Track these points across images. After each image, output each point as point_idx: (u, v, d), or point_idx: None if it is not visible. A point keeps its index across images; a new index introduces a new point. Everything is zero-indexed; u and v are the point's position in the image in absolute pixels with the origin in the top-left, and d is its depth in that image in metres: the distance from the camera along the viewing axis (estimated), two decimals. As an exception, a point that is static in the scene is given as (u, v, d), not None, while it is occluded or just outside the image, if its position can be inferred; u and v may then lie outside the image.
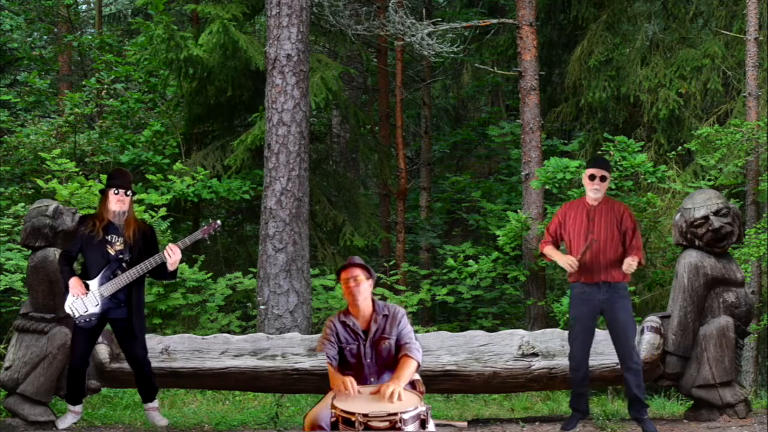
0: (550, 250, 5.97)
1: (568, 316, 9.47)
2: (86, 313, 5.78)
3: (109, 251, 5.80)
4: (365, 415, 4.03)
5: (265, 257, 9.00)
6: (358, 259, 4.71)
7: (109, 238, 5.81)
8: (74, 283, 5.77)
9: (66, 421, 6.15)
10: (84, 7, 19.63)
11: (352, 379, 4.32)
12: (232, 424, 6.79)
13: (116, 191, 5.83)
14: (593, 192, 5.86)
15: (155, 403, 6.19)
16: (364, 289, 4.60)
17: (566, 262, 5.79)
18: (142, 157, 11.69)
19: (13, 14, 15.24)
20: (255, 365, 6.55)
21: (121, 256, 5.81)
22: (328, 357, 4.56)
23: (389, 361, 4.54)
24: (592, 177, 5.86)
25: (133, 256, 5.82)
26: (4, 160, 12.04)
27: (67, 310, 5.82)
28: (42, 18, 16.49)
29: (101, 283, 5.78)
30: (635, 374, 5.80)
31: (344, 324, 4.62)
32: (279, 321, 8.81)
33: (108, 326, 6.10)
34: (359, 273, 4.60)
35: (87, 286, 5.78)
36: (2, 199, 10.92)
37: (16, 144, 12.02)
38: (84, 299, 5.77)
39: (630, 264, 5.69)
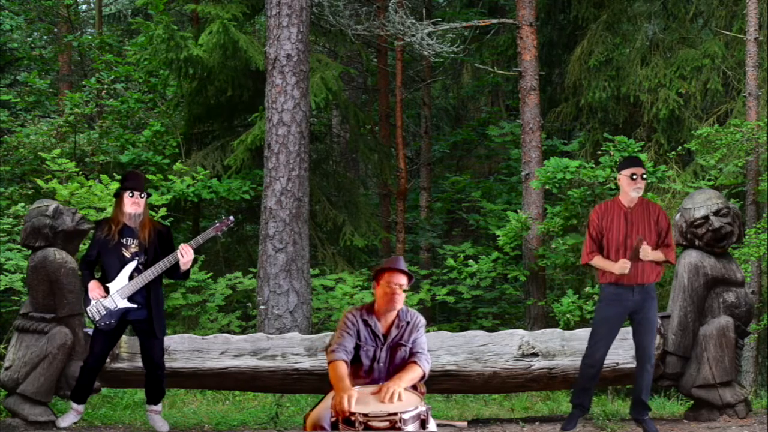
0: (599, 261, 5.76)
1: (568, 315, 9.51)
2: (105, 315, 5.80)
3: (125, 254, 5.82)
4: (365, 415, 4.02)
5: (265, 257, 9.00)
6: (403, 264, 4.52)
7: (124, 241, 5.83)
8: (93, 286, 5.80)
9: (67, 420, 6.16)
10: (84, 7, 19.63)
11: (351, 396, 4.16)
12: (232, 424, 6.79)
13: (131, 194, 5.83)
14: (636, 191, 5.72)
15: (159, 407, 6.20)
16: (403, 297, 4.49)
17: (620, 267, 5.63)
18: (142, 157, 11.68)
19: (13, 14, 15.23)
20: (255, 365, 6.55)
21: (137, 258, 5.83)
22: (344, 351, 4.38)
23: (401, 368, 4.48)
24: (633, 176, 5.72)
25: (149, 257, 5.84)
26: (4, 160, 12.04)
27: (88, 312, 5.85)
28: (42, 18, 16.49)
29: (118, 286, 5.79)
30: (647, 378, 5.79)
31: (366, 323, 4.51)
32: (279, 321, 8.81)
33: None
34: (404, 281, 4.48)
35: (106, 289, 5.79)
36: (2, 199, 10.92)
37: (16, 144, 12.01)
38: (103, 302, 5.79)
39: (646, 251, 5.63)
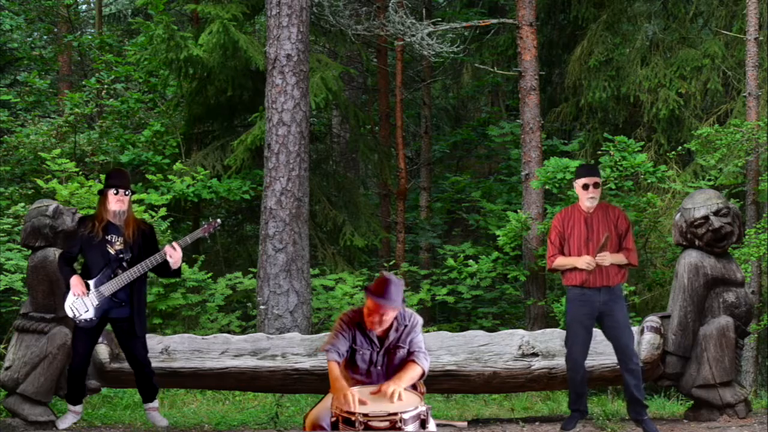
0: (562, 260, 5.84)
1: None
2: (87, 313, 5.78)
3: (109, 251, 5.80)
4: (365, 415, 4.02)
5: (265, 257, 9.00)
6: (392, 295, 4.30)
7: (109, 237, 5.81)
8: (75, 282, 5.77)
9: (66, 421, 6.15)
10: (84, 7, 19.63)
11: (354, 394, 4.17)
12: (232, 424, 6.79)
13: (115, 191, 5.84)
14: (589, 201, 5.83)
15: (155, 403, 6.19)
16: (386, 321, 4.39)
17: (584, 262, 5.72)
18: (142, 157, 11.69)
19: (13, 14, 15.23)
20: (255, 365, 6.55)
21: (121, 255, 5.81)
22: (337, 353, 4.36)
23: (400, 368, 4.45)
24: (585, 186, 5.82)
25: (133, 255, 5.83)
26: (4, 160, 12.03)
27: (67, 310, 5.82)
28: (42, 18, 16.47)
29: (101, 283, 5.78)
30: (635, 375, 5.79)
31: (361, 327, 4.46)
32: (279, 321, 8.81)
33: (108, 326, 6.12)
34: (390, 313, 4.36)
35: (87, 286, 5.78)
36: (2, 199, 10.92)
37: (16, 144, 12.01)
38: (84, 299, 5.77)
39: (604, 258, 5.70)
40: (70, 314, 5.82)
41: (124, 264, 5.81)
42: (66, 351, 6.21)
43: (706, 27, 12.93)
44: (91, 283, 5.79)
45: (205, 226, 5.97)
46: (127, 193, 5.87)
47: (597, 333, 6.09)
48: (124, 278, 5.78)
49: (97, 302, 5.78)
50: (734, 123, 9.94)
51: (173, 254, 5.74)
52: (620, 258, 5.79)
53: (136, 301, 5.85)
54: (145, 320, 6.02)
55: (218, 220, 6.07)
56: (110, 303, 5.80)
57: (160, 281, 9.28)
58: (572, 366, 5.93)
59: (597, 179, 5.87)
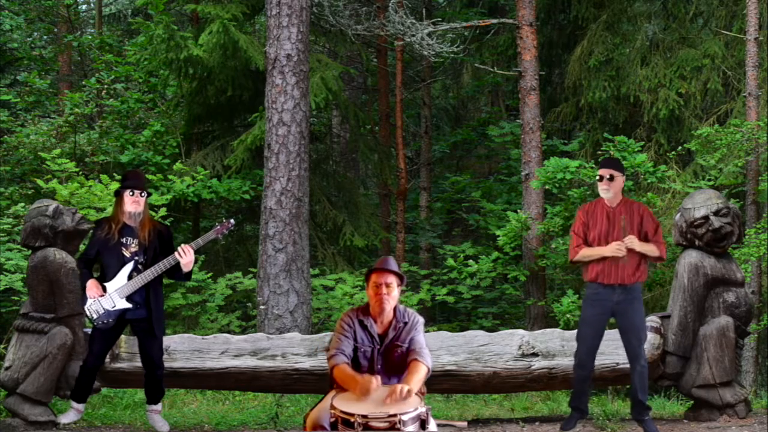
0: (588, 251, 5.77)
1: (568, 315, 9.52)
2: (103, 315, 5.80)
3: (125, 253, 5.81)
4: (364, 416, 4.02)
5: (265, 257, 9.00)
6: (393, 263, 4.51)
7: (124, 240, 5.82)
8: (91, 285, 5.79)
9: (68, 417, 6.17)
10: (84, 7, 19.63)
11: (377, 379, 4.19)
12: (232, 424, 6.79)
13: (131, 192, 5.83)
14: (603, 192, 5.81)
15: (158, 406, 6.20)
16: (394, 296, 4.47)
17: (612, 248, 5.66)
18: (142, 157, 11.68)
19: (13, 14, 15.22)
20: (255, 365, 6.55)
21: (136, 257, 5.82)
22: (343, 355, 4.37)
23: (398, 367, 4.46)
24: (600, 178, 5.82)
25: (148, 257, 5.83)
26: (4, 160, 12.03)
27: (86, 311, 5.85)
28: (42, 18, 16.47)
29: (117, 285, 5.78)
30: (640, 377, 5.79)
31: (362, 324, 4.49)
32: (279, 321, 8.81)
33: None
34: (393, 280, 4.46)
35: (104, 288, 5.78)
36: (2, 199, 10.91)
37: (16, 144, 12.01)
38: (101, 301, 5.78)
39: (633, 240, 5.64)
40: (88, 315, 5.84)
41: (140, 266, 5.81)
42: (66, 351, 6.21)
43: (706, 27, 12.92)
44: (108, 285, 5.80)
45: (218, 227, 5.90)
46: (143, 194, 5.86)
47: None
48: (139, 280, 5.77)
49: (113, 304, 5.79)
50: (734, 123, 9.94)
51: (184, 257, 5.72)
52: (651, 248, 5.70)
53: (153, 303, 5.85)
54: (163, 321, 6.04)
55: (231, 221, 5.99)
56: (127, 305, 5.80)
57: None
58: (578, 363, 5.94)
59: (612, 171, 5.81)
